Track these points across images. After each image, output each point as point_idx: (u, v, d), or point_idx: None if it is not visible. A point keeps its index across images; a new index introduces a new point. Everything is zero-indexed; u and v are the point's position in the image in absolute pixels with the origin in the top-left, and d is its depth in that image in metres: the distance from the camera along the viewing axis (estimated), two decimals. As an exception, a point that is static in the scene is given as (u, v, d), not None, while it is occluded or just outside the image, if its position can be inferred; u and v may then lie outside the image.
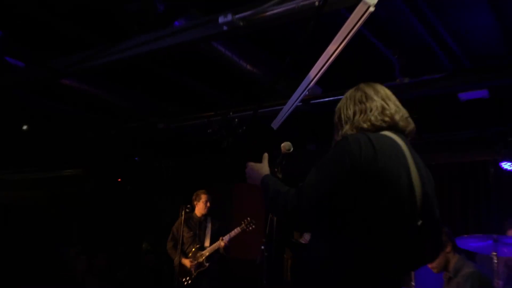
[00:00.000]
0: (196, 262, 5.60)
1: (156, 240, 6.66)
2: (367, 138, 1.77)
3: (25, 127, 6.31)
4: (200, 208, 5.83)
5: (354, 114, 1.99)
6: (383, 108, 1.96)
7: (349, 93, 2.11)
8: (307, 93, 3.66)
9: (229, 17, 3.19)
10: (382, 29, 3.85)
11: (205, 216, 5.88)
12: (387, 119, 1.94)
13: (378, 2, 2.54)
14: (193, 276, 5.58)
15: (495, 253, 3.79)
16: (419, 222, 1.77)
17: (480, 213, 6.17)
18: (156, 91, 5.58)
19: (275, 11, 3.08)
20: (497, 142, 5.43)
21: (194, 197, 5.94)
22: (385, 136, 1.88)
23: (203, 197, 5.89)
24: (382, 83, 4.63)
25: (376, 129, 1.91)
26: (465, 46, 4.03)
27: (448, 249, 3.32)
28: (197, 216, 5.85)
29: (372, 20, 2.75)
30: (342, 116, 2.03)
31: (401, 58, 4.12)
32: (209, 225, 5.86)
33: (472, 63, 4.22)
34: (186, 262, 5.63)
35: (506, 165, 5.33)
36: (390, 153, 1.78)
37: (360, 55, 4.20)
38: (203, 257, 5.64)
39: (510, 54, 4.10)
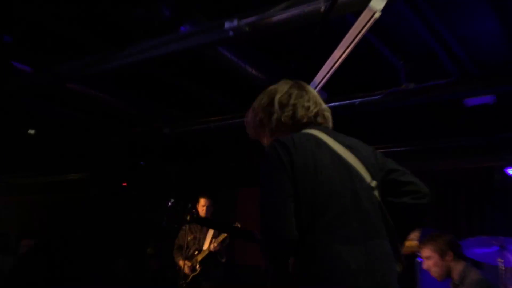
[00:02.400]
0: (190, 265, 5.61)
1: (160, 244, 6.65)
2: (281, 142, 1.85)
3: (31, 132, 6.34)
4: (199, 212, 5.83)
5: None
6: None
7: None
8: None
9: (235, 22, 3.20)
10: (388, 34, 3.85)
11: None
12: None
13: (383, 8, 2.54)
14: (188, 280, 5.57)
15: (501, 260, 3.77)
16: (373, 183, 1.87)
17: (485, 219, 6.15)
18: (161, 96, 5.60)
19: (281, 16, 3.09)
20: (503, 148, 5.42)
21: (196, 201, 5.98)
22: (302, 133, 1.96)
23: (201, 201, 5.91)
24: (388, 88, 4.64)
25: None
26: (470, 52, 4.03)
27: (449, 257, 3.29)
28: None
29: (377, 25, 2.76)
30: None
31: (406, 63, 4.13)
32: (211, 229, 5.86)
33: (478, 69, 4.22)
34: (182, 264, 5.61)
35: (511, 171, 5.31)
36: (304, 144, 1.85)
37: (365, 60, 4.20)
38: (197, 261, 5.65)
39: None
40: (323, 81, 3.06)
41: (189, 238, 5.74)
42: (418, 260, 4.99)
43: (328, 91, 4.67)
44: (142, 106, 5.73)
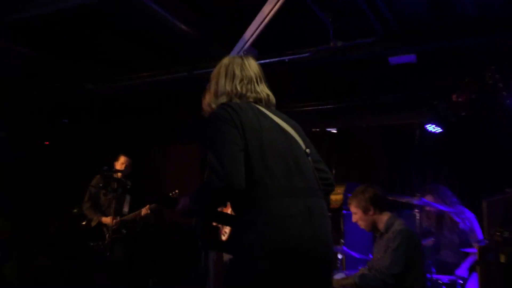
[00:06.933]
0: (111, 227, 5.35)
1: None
2: (229, 105, 2.04)
3: None
4: (118, 170, 5.58)
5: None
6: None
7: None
8: (242, 55, 3.62)
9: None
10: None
11: (124, 178, 5.58)
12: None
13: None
14: (106, 241, 5.36)
15: (417, 211, 4.11)
16: (307, 150, 2.12)
17: (404, 173, 6.49)
18: (87, 51, 5.29)
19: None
20: (423, 105, 5.68)
21: (115, 159, 5.78)
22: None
23: (121, 159, 5.71)
24: (317, 46, 4.66)
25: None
26: (396, 10, 4.10)
27: (371, 212, 3.54)
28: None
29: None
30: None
31: (335, 21, 4.15)
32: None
33: (401, 27, 4.32)
34: (101, 225, 5.44)
35: (430, 127, 5.59)
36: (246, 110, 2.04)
37: (295, 17, 4.18)
38: (120, 223, 5.47)
39: (435, 20, 4.23)
40: (253, 37, 3.03)
41: (104, 197, 5.56)
42: (343, 213, 5.23)
43: (258, 47, 4.64)
44: (63, 60, 5.40)
